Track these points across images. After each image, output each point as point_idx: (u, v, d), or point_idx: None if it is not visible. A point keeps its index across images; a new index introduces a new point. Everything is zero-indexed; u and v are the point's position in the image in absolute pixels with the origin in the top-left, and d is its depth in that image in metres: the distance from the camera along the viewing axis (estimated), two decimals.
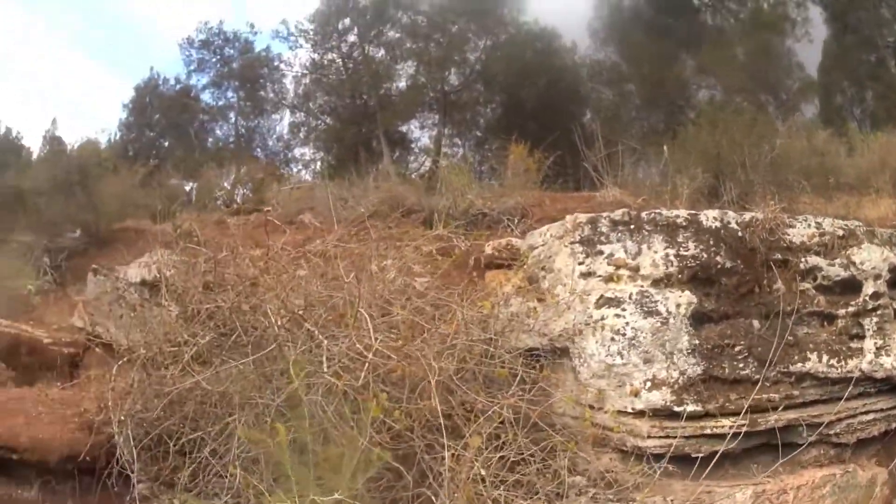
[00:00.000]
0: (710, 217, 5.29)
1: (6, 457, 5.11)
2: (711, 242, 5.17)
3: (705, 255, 5.12)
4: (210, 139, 32.39)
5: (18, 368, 7.49)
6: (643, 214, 5.26)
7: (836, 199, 9.45)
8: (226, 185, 18.81)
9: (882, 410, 5.58)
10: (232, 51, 31.84)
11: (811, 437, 5.30)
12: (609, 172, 9.15)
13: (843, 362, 5.29)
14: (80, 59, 54.44)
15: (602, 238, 5.27)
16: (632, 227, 5.22)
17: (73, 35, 53.49)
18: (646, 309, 4.92)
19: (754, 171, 9.03)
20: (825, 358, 5.25)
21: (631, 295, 4.99)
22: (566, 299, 5.24)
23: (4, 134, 32.53)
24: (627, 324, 4.91)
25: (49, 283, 13.37)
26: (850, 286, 5.52)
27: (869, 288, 5.50)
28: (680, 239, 5.14)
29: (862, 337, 5.44)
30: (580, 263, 5.29)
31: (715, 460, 4.80)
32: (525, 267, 5.86)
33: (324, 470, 3.73)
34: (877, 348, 5.40)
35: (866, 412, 5.49)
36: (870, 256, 5.55)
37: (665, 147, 10.30)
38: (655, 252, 5.09)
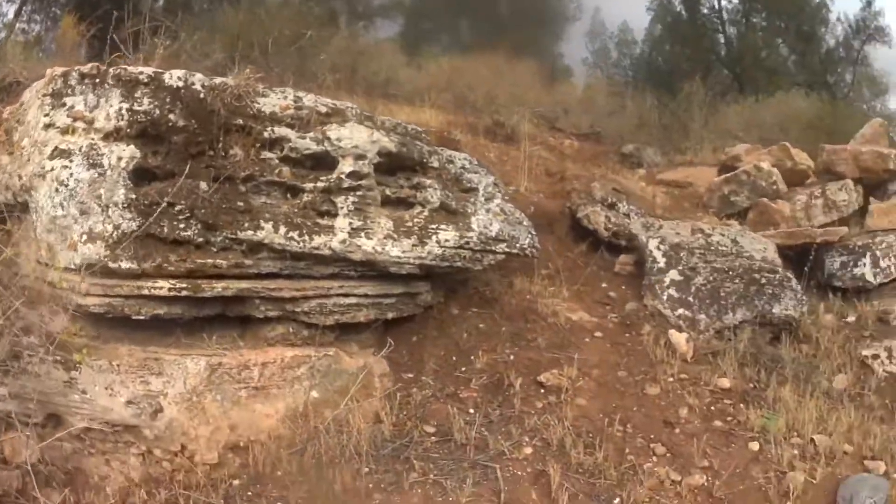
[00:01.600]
0: (174, 76, 5.09)
1: None
2: (168, 100, 4.98)
3: (158, 112, 4.93)
4: None
5: None
6: (110, 70, 5.05)
7: (371, 100, 9.91)
8: None
9: (369, 297, 5.61)
10: None
11: (272, 313, 5.33)
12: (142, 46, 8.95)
13: (305, 237, 5.18)
14: None
15: (69, 91, 5.06)
16: (97, 80, 5.01)
17: None
18: (91, 161, 4.76)
19: (276, 58, 9.22)
20: (283, 230, 5.12)
21: (81, 147, 4.82)
22: (28, 151, 5.04)
23: None
24: (72, 175, 4.73)
25: None
26: (324, 162, 5.42)
27: (346, 167, 5.38)
28: (137, 95, 4.95)
29: (334, 215, 5.36)
30: (45, 115, 5.05)
31: (163, 327, 4.86)
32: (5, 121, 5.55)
33: None
34: (353, 229, 5.33)
35: (345, 295, 5.50)
36: (352, 135, 5.41)
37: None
38: (111, 106, 4.92)
